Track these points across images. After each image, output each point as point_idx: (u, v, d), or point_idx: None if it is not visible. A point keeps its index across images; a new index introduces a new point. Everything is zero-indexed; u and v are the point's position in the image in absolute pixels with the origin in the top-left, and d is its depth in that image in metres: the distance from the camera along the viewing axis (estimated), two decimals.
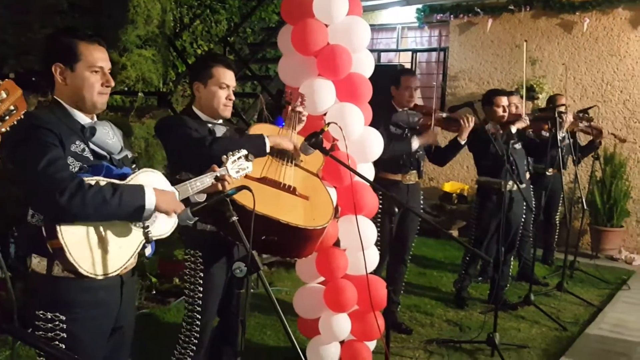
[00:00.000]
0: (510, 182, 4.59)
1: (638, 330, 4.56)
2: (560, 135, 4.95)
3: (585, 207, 5.57)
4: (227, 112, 2.81)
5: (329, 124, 2.91)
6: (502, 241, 4.37)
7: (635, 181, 7.07)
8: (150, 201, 1.95)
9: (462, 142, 4.38)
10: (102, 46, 2.08)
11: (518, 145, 4.83)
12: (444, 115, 4.39)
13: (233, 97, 2.80)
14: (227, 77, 2.76)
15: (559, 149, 4.98)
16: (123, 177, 2.01)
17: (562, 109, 5.27)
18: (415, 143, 4.20)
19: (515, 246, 5.11)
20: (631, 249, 7.00)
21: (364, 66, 3.47)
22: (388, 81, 4.27)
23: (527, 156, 5.21)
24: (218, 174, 2.25)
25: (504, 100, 4.65)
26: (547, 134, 5.25)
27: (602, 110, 7.00)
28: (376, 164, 3.79)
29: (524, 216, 5.03)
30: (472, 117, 4.32)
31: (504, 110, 4.61)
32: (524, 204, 4.81)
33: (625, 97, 7.05)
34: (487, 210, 4.83)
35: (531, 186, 5.57)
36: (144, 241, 2.03)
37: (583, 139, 6.16)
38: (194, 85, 2.78)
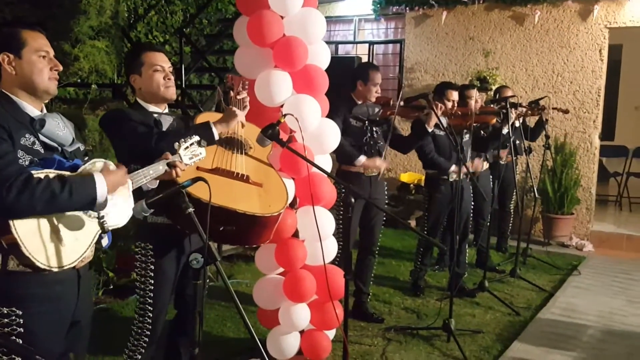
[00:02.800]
0: (456, 173, 4.75)
1: (587, 313, 4.73)
2: (505, 130, 5.09)
3: (537, 195, 5.72)
4: (171, 93, 2.75)
5: (285, 115, 2.92)
6: (456, 230, 4.49)
7: (584, 170, 7.28)
8: (101, 190, 1.94)
9: (430, 130, 4.45)
10: (43, 34, 2.09)
11: (467, 137, 4.96)
12: (403, 104, 4.45)
13: (172, 77, 2.76)
14: (158, 58, 2.73)
15: (510, 138, 5.10)
16: (74, 168, 1.99)
17: (515, 100, 5.39)
18: (361, 159, 4.22)
19: (467, 234, 5.22)
20: (581, 236, 7.21)
21: (320, 58, 3.49)
22: (347, 73, 4.31)
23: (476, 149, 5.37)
24: (171, 161, 2.26)
25: (454, 95, 4.79)
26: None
27: (553, 100, 7.18)
28: (338, 156, 3.80)
29: (472, 205, 5.17)
30: (441, 105, 4.43)
31: (453, 105, 4.74)
32: (471, 192, 5.03)
33: (575, 88, 7.25)
34: (437, 201, 4.95)
35: (491, 177, 5.72)
36: (100, 232, 2.02)
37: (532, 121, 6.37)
38: (130, 79, 2.75)
